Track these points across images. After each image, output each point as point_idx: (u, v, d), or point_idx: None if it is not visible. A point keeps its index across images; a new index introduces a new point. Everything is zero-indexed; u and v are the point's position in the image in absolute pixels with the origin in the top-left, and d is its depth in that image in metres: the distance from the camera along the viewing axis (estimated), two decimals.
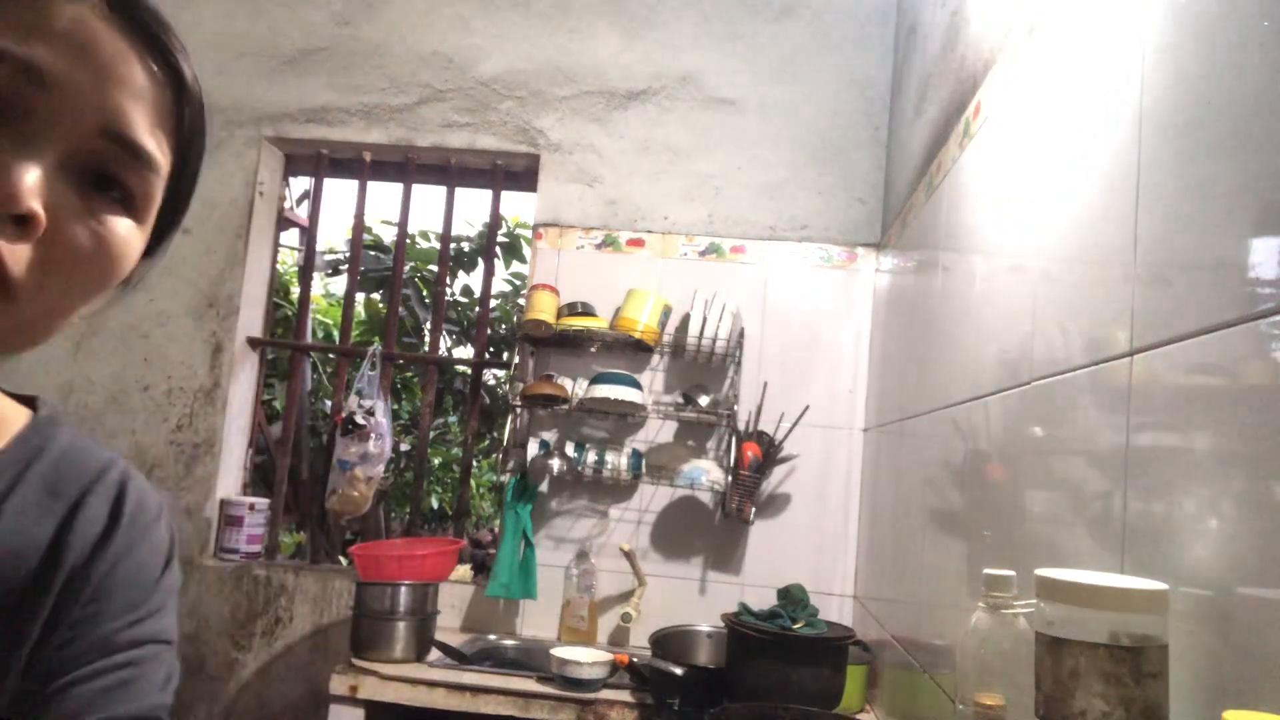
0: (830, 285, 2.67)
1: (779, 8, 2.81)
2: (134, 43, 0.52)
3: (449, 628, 2.55)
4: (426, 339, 3.05)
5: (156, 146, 0.53)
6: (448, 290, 3.90)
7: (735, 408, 2.55)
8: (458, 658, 2.30)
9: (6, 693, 0.51)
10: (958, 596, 1.42)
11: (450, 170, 2.96)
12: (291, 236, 3.78)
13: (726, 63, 2.81)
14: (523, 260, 4.18)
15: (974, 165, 1.65)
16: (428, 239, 4.19)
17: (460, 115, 2.87)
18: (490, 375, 3.88)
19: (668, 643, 2.19)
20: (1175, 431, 0.86)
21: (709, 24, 2.83)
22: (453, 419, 4.21)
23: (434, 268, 3.90)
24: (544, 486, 2.58)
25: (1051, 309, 1.19)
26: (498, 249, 3.67)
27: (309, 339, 3.29)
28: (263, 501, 2.88)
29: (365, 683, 2.14)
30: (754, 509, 2.48)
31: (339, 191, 3.13)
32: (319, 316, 4.27)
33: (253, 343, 2.95)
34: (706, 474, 2.47)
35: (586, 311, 2.59)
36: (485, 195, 3.02)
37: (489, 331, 3.31)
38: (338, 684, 2.14)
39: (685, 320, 2.55)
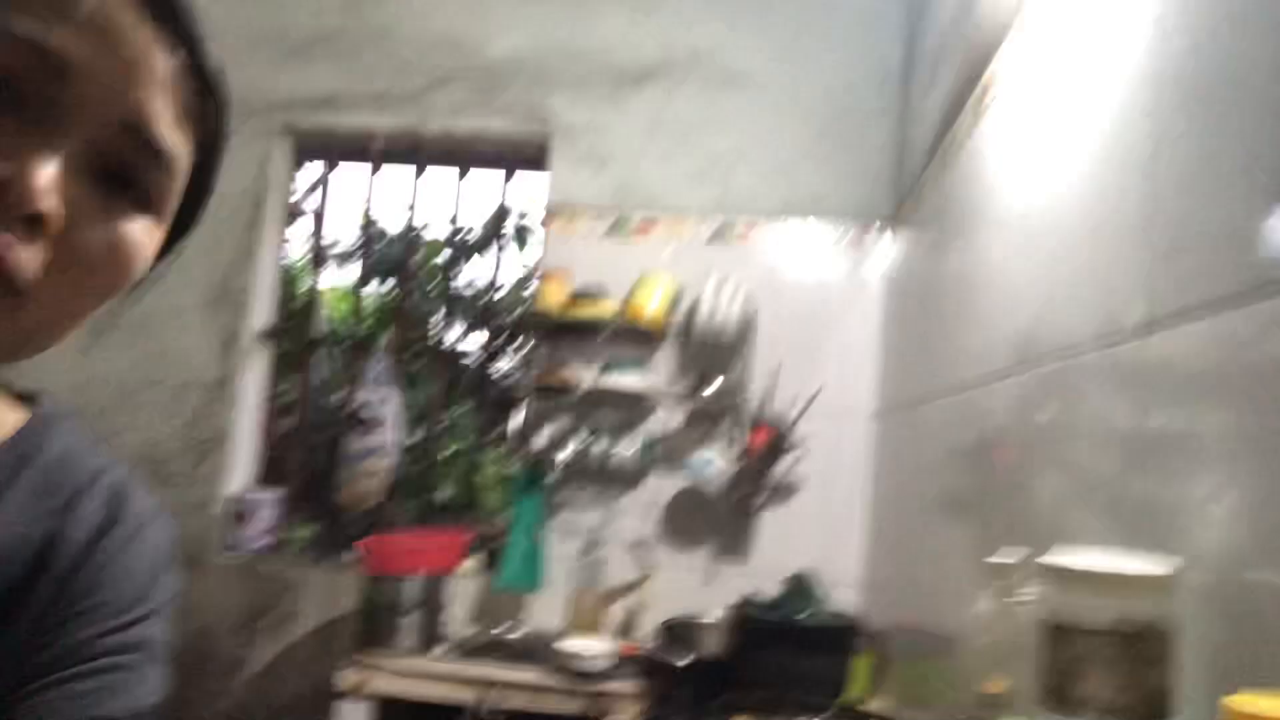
0: (842, 265, 2.63)
1: None
2: (159, 31, 0.49)
3: (458, 619, 2.54)
4: (437, 329, 3.04)
5: (178, 143, 0.51)
6: (457, 279, 3.89)
7: (746, 394, 2.52)
8: (466, 650, 2.28)
9: None
10: (965, 583, 1.39)
11: (461, 154, 2.93)
12: (300, 227, 3.77)
13: (737, 38, 2.76)
14: (533, 246, 4.16)
15: (987, 139, 1.61)
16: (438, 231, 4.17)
17: (470, 98, 2.84)
18: (500, 365, 3.87)
19: (675, 632, 2.17)
20: (1186, 412, 0.82)
21: None
22: (462, 410, 4.20)
23: (444, 258, 3.88)
24: (553, 477, 2.56)
25: (1065, 287, 1.16)
26: (508, 235, 3.66)
27: (320, 331, 3.29)
28: (273, 495, 2.87)
29: (372, 678, 2.13)
30: (763, 497, 2.45)
31: (348, 180, 3.12)
32: (330, 308, 4.27)
33: (263, 336, 2.95)
34: (714, 463, 2.44)
35: (597, 297, 2.56)
36: (496, 184, 3.00)
37: (499, 320, 3.29)
38: (346, 678, 2.14)
39: (696, 304, 2.52)
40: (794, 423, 2.46)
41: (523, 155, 2.92)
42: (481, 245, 4.11)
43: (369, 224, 3.10)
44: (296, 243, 3.59)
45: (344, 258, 4.19)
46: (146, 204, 0.50)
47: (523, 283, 4.18)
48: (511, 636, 2.42)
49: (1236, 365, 0.75)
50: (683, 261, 2.64)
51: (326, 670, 2.32)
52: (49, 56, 0.44)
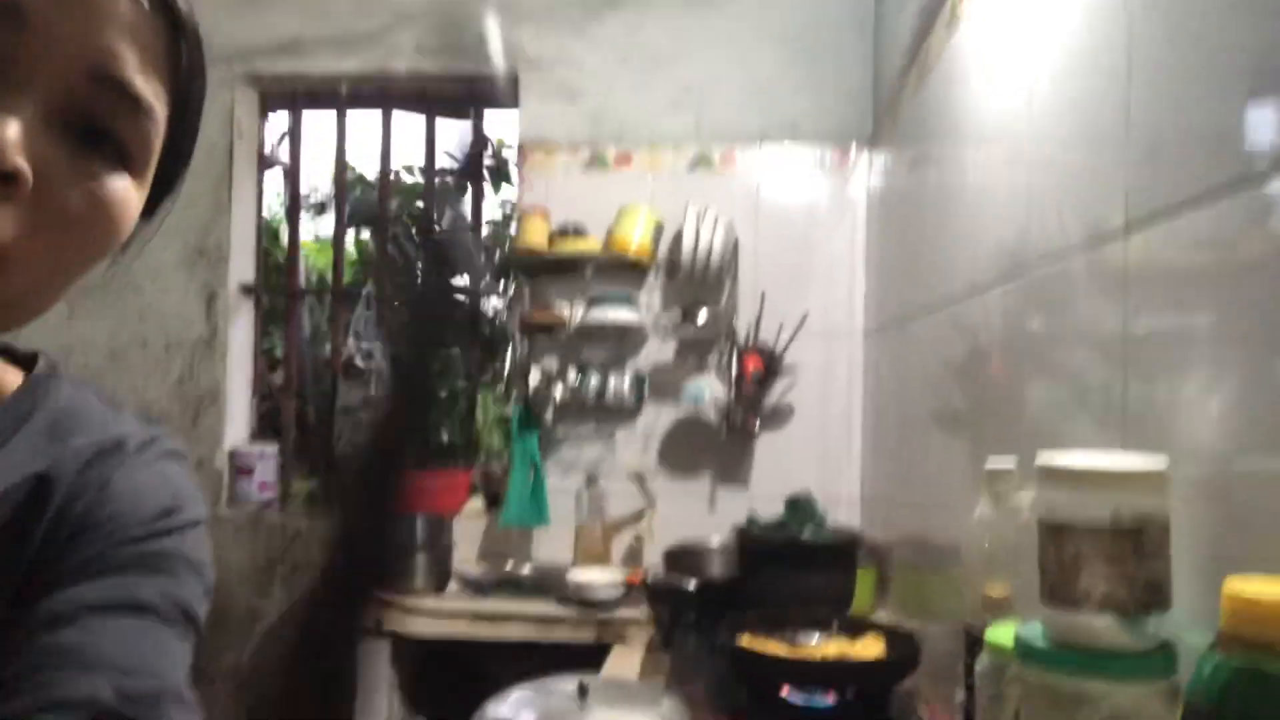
0: (824, 187, 2.62)
1: None
2: None
3: (466, 559, 2.58)
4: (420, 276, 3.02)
5: (151, 91, 0.48)
6: (436, 224, 3.84)
7: (734, 321, 2.53)
8: (477, 587, 2.33)
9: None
10: (962, 493, 1.42)
11: (430, 95, 2.88)
12: (274, 178, 3.71)
13: None
14: (511, 184, 4.11)
15: (962, 50, 1.59)
16: (412, 174, 4.11)
17: (434, 36, 2.77)
18: (488, 304, 3.85)
19: (680, 558, 2.22)
20: (1173, 311, 0.84)
21: None
22: (453, 351, 4.20)
23: (421, 203, 3.83)
24: (549, 414, 2.58)
25: (1047, 195, 1.16)
26: (485, 174, 3.61)
27: (301, 283, 3.26)
28: (271, 449, 2.89)
29: (389, 616, 2.18)
30: (758, 421, 2.48)
31: (318, 128, 3.05)
32: (310, 260, 4.23)
33: (246, 290, 2.92)
34: (708, 390, 2.47)
35: (578, 233, 2.55)
36: (468, 122, 2.95)
37: (482, 261, 3.27)
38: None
39: (678, 236, 2.51)
40: (784, 347, 2.48)
41: (493, 93, 2.86)
42: (457, 186, 4.06)
43: (341, 171, 3.05)
44: (271, 195, 3.52)
45: (319, 208, 4.14)
46: (125, 158, 0.48)
47: (503, 223, 4.14)
48: (521, 572, 2.47)
49: (1221, 260, 0.76)
50: (663, 192, 2.61)
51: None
52: (5, 9, 0.42)
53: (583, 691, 0.89)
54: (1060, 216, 1.11)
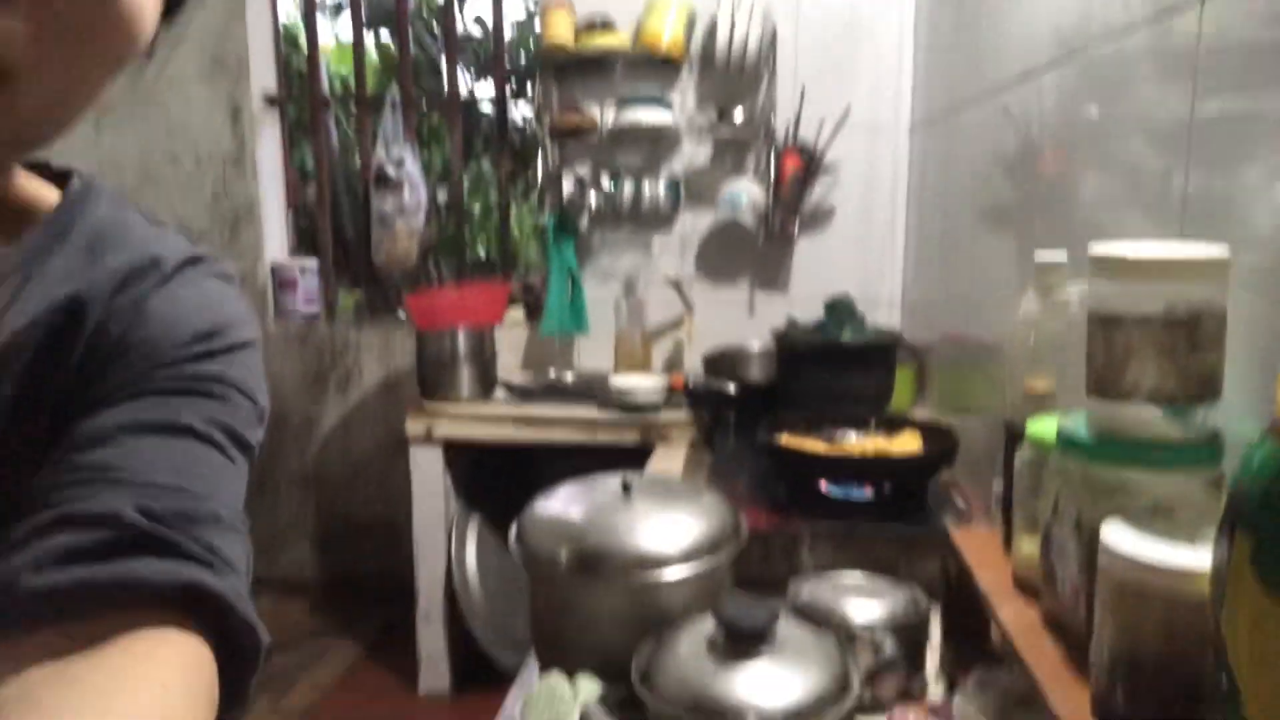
0: None
1: None
2: None
3: (510, 368, 2.64)
4: (444, 79, 2.91)
5: None
6: (459, 22, 3.66)
7: (772, 119, 2.42)
8: (522, 393, 2.40)
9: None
10: (1008, 290, 1.40)
11: None
12: None
13: None
14: None
15: None
16: None
17: None
18: (516, 114, 3.74)
19: (720, 362, 2.25)
20: (1245, 93, 0.77)
21: None
22: (484, 162, 4.12)
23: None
24: (584, 222, 2.55)
25: None
26: None
27: (325, 92, 3.17)
28: (312, 262, 2.91)
29: (439, 423, 2.26)
30: (798, 224, 2.43)
31: None
32: (332, 67, 4.08)
33: (270, 100, 2.85)
34: (746, 194, 2.40)
35: (606, 26, 2.40)
36: None
37: (508, 63, 3.14)
38: (413, 426, 2.27)
39: (713, 27, 2.36)
40: (826, 144, 2.38)
41: None
42: None
43: None
44: None
45: (336, 9, 3.95)
46: None
47: (527, 21, 3.93)
48: (564, 379, 2.52)
49: None
50: None
51: (395, 421, 2.47)
52: None
53: (626, 488, 0.92)
54: None
